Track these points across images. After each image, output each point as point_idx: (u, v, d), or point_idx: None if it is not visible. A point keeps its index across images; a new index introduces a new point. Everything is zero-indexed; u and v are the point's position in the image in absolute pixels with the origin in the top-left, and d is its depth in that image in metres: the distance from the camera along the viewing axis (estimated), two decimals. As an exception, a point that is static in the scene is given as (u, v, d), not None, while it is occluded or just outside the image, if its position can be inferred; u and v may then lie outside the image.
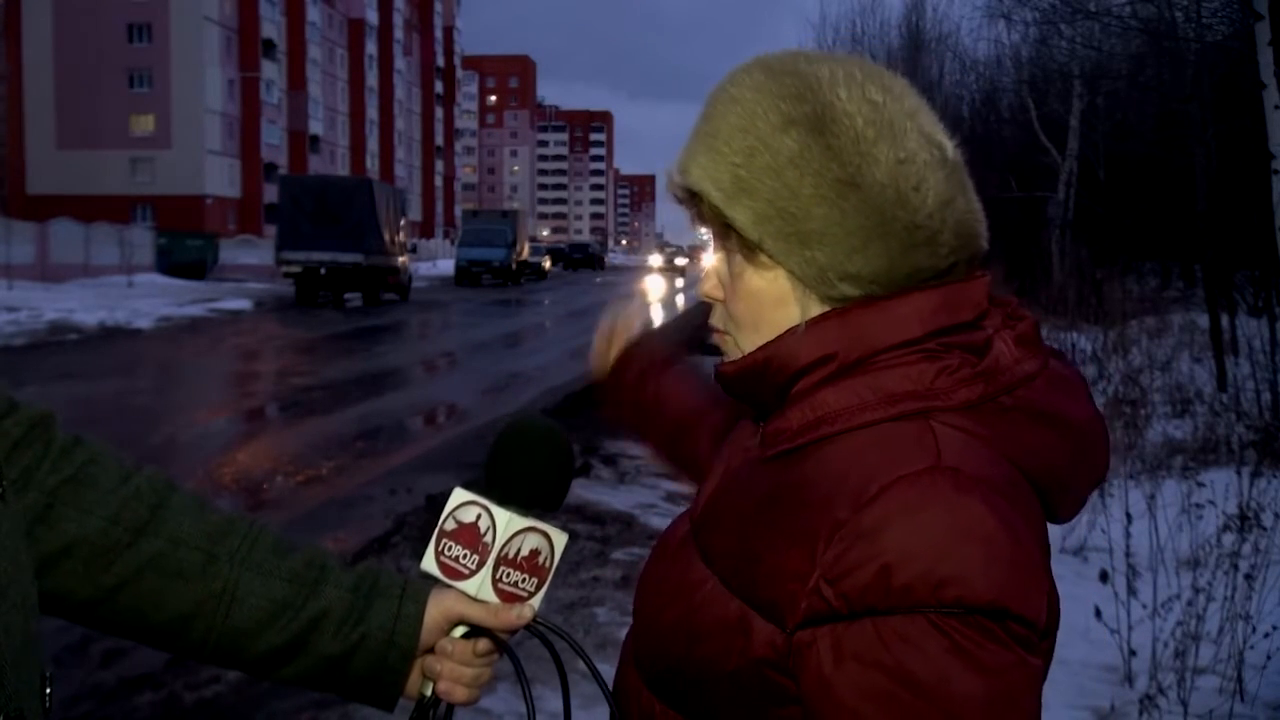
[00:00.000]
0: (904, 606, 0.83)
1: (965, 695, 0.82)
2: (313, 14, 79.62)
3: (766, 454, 0.99)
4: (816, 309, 0.98)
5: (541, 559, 1.10)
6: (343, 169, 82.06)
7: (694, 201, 1.03)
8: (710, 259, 1.07)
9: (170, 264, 38.33)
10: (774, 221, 0.96)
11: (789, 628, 0.89)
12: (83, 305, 24.11)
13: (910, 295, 0.96)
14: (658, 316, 1.53)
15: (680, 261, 69.57)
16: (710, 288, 1.06)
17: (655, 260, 72.31)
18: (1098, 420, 1.02)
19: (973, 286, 0.98)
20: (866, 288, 0.96)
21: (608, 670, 1.16)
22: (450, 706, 1.11)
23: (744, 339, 1.03)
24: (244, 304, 28.66)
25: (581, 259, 76.12)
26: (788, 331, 0.98)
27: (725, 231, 1.01)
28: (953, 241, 0.96)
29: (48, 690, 0.97)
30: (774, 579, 0.90)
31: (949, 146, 0.98)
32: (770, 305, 1.00)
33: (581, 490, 7.63)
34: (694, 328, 1.42)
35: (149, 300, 27.41)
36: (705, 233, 1.07)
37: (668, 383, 1.47)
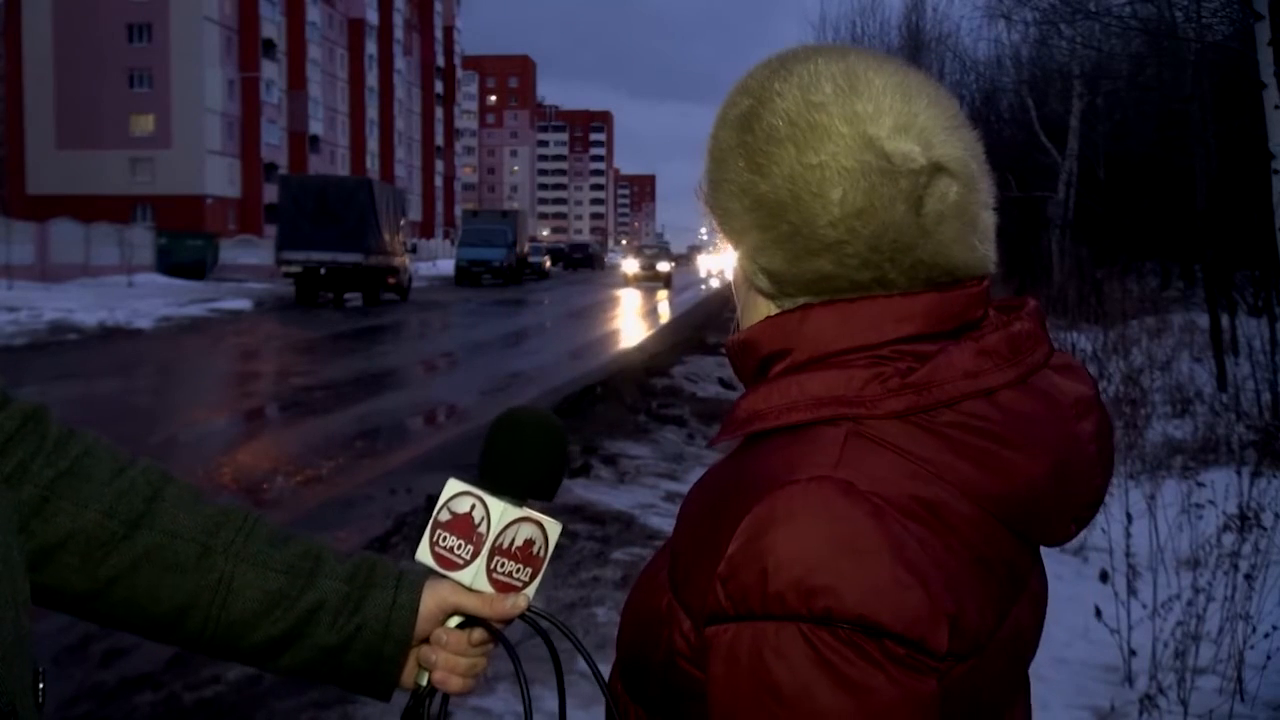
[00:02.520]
0: (777, 613, 0.83)
1: (827, 709, 0.81)
2: (313, 14, 79.63)
3: (710, 443, 1.02)
4: (756, 299, 1.02)
5: (536, 549, 1.10)
6: (343, 169, 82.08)
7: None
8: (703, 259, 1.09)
9: (170, 264, 38.35)
10: (714, 212, 1.01)
11: (700, 623, 0.89)
12: (83, 305, 24.12)
13: (873, 301, 0.94)
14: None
15: (664, 266, 47.45)
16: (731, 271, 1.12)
17: (630, 266, 48.90)
18: (1091, 440, 0.99)
19: (947, 298, 0.94)
20: (780, 286, 0.98)
21: (605, 670, 1.16)
22: (445, 696, 1.11)
23: (739, 316, 1.07)
24: (244, 304, 28.67)
25: (581, 259, 76.24)
26: (761, 320, 1.00)
27: None
28: (867, 254, 0.92)
29: (40, 685, 0.97)
30: (691, 575, 0.91)
31: (912, 154, 0.92)
32: (739, 289, 1.05)
33: (581, 490, 7.63)
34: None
35: (149, 300, 27.42)
36: (704, 232, 1.08)
37: None
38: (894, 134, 0.92)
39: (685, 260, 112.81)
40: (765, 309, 1.00)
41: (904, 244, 0.92)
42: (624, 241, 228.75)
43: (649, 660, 0.96)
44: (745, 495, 0.88)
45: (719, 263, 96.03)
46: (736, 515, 0.87)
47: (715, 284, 52.52)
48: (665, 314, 30.48)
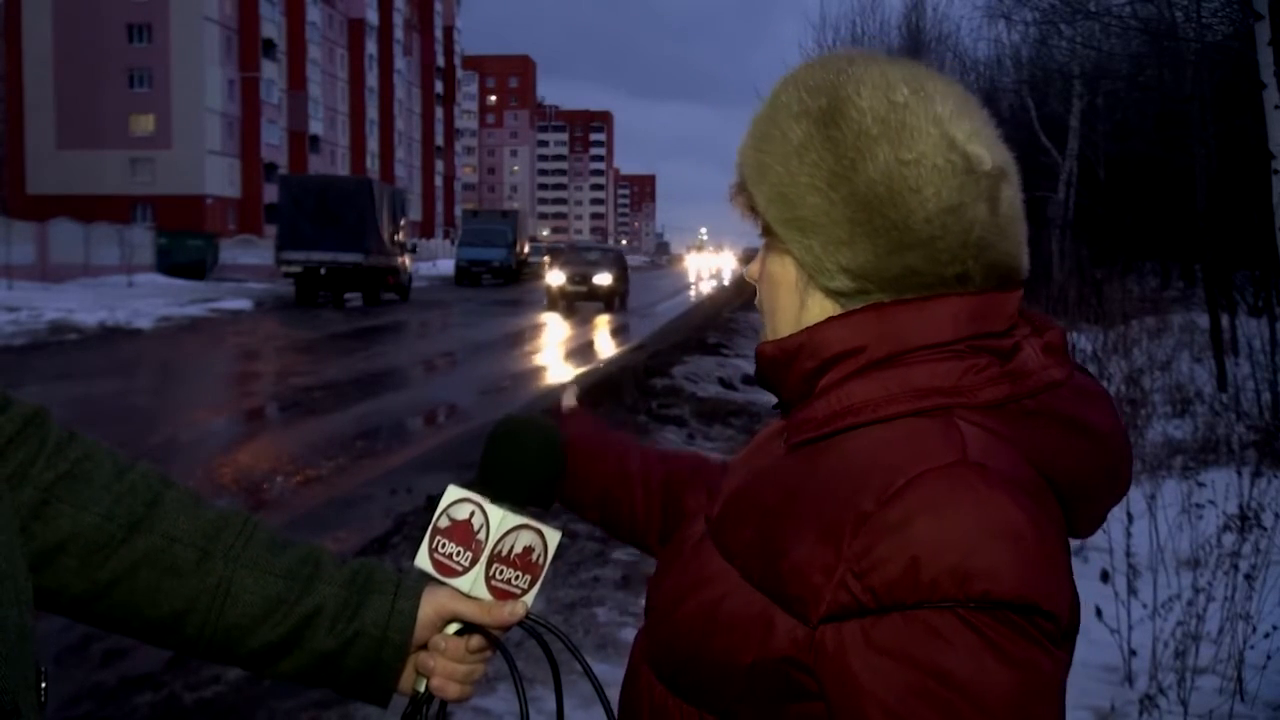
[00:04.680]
0: (932, 601, 0.84)
1: (996, 689, 0.83)
2: (313, 14, 79.60)
3: (790, 443, 0.99)
4: (818, 298, 1.01)
5: (535, 556, 1.10)
6: (343, 169, 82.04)
7: (740, 185, 1.07)
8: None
9: (170, 264, 38.33)
10: (778, 205, 1.00)
11: (813, 622, 0.89)
12: (83, 305, 24.11)
13: (947, 299, 0.97)
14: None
15: (603, 279, 31.06)
16: (751, 269, 1.10)
17: (554, 278, 31.61)
18: (1122, 434, 1.02)
19: (1008, 298, 0.99)
20: (859, 283, 0.98)
21: (605, 669, 1.16)
22: (443, 703, 1.12)
23: (766, 321, 1.06)
24: (244, 304, 28.67)
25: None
26: (825, 320, 1.00)
27: (755, 214, 1.05)
28: (956, 250, 0.96)
29: (42, 685, 0.97)
30: (798, 572, 0.90)
31: (984, 157, 0.97)
32: (785, 290, 1.03)
33: (581, 490, 7.62)
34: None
35: (149, 300, 27.40)
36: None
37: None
38: (969, 138, 0.97)
39: (676, 261, 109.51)
40: (822, 310, 1.01)
41: (987, 242, 0.97)
42: (624, 241, 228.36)
43: (729, 664, 0.95)
44: (864, 488, 0.89)
45: (714, 263, 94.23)
46: (854, 509, 0.88)
47: (707, 288, 48.49)
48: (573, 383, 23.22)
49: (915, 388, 0.95)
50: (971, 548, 0.84)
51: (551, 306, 29.98)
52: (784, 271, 1.02)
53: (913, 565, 0.85)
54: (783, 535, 0.94)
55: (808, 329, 1.00)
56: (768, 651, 0.92)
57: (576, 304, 30.26)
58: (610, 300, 31.02)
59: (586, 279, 30.89)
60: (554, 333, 23.84)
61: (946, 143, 0.96)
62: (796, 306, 1.02)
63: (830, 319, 0.99)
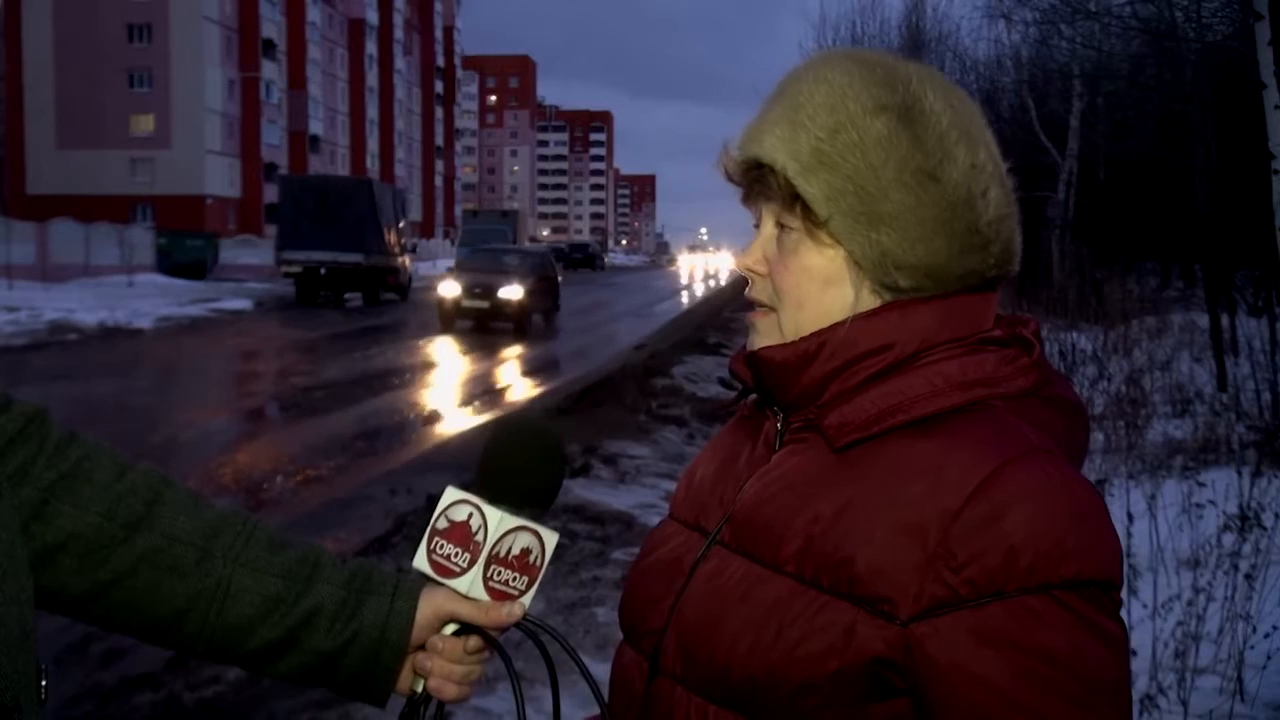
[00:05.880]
0: (1030, 586, 0.87)
1: (1092, 661, 0.87)
2: (313, 14, 79.59)
3: (836, 445, 0.98)
4: (868, 294, 1.01)
5: (532, 558, 1.11)
6: (343, 169, 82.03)
7: (754, 176, 1.04)
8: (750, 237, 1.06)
9: (170, 264, 38.32)
10: (848, 198, 0.98)
11: (902, 620, 0.90)
12: (83, 305, 24.11)
13: (962, 296, 1.00)
14: None
15: (511, 292, 21.85)
16: (753, 261, 1.06)
17: (449, 290, 22.22)
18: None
19: (996, 295, 1.04)
20: (919, 280, 0.99)
21: (603, 670, 1.16)
22: (441, 703, 1.12)
23: (786, 315, 1.04)
24: (244, 304, 28.67)
25: (581, 259, 76.36)
26: (848, 319, 1.00)
27: (790, 205, 1.02)
28: (999, 254, 1.00)
29: (43, 682, 0.97)
30: (879, 574, 0.91)
31: (1004, 168, 1.03)
32: (820, 284, 1.02)
33: (581, 490, 7.63)
34: None
35: (149, 300, 27.41)
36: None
37: None
38: (995, 147, 1.02)
39: (675, 262, 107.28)
40: (843, 309, 1.00)
41: (1014, 250, 1.03)
42: (624, 242, 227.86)
43: (811, 675, 0.93)
44: (941, 485, 0.91)
45: (711, 263, 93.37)
46: (937, 505, 0.90)
47: (701, 291, 46.08)
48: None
49: (959, 380, 0.97)
50: (1064, 532, 0.88)
51: (445, 328, 21.91)
52: (828, 265, 1.01)
53: (1011, 554, 0.88)
54: (847, 540, 0.94)
55: (826, 329, 1.00)
56: (854, 656, 0.92)
57: (490, 324, 22.14)
58: (521, 321, 22.15)
59: (489, 291, 22.01)
60: (553, 334, 23.79)
61: (990, 152, 1.01)
62: (841, 300, 1.01)
63: (854, 318, 1.00)
